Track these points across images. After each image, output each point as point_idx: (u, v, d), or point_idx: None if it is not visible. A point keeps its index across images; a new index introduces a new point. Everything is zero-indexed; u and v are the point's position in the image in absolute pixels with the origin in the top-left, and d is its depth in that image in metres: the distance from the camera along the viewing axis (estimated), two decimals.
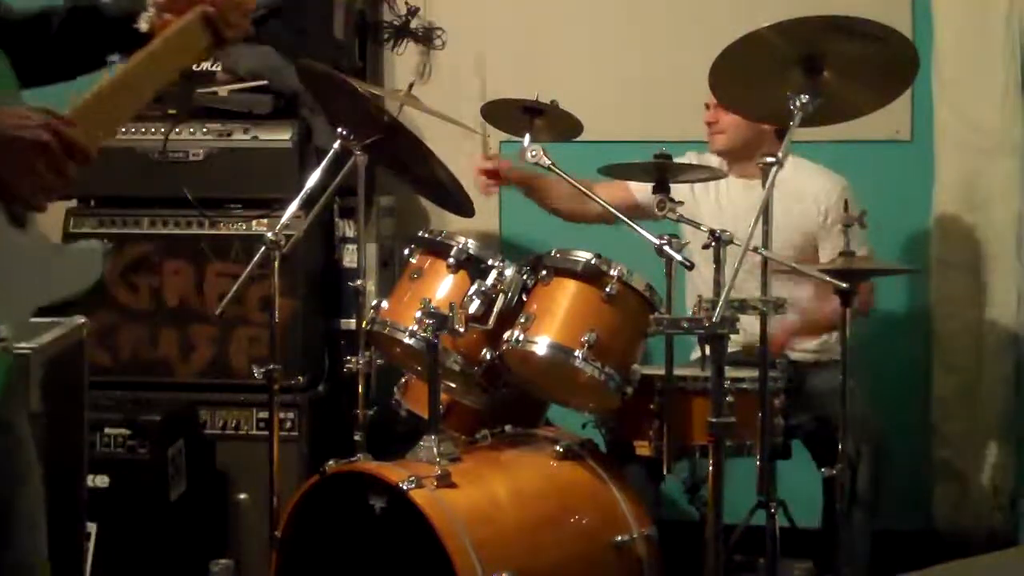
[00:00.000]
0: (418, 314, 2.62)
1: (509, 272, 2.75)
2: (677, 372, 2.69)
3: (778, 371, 2.82)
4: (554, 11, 3.95)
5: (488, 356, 2.73)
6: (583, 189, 2.75)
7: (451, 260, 2.76)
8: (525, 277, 2.75)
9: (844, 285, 2.60)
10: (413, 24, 3.89)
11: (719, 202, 3.34)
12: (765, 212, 2.60)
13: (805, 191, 3.25)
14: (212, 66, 3.59)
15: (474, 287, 2.72)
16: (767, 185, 2.44)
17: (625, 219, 2.66)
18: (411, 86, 3.46)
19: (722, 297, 2.17)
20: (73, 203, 3.49)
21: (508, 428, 2.86)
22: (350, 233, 3.54)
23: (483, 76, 3.57)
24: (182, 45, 1.85)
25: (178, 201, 3.41)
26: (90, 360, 2.66)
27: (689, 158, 3.33)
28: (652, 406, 2.70)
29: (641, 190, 3.17)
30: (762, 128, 3.20)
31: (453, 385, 2.85)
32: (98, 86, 1.73)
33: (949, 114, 3.67)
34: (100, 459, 3.03)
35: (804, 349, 3.27)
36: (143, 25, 1.85)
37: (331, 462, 2.59)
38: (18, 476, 1.77)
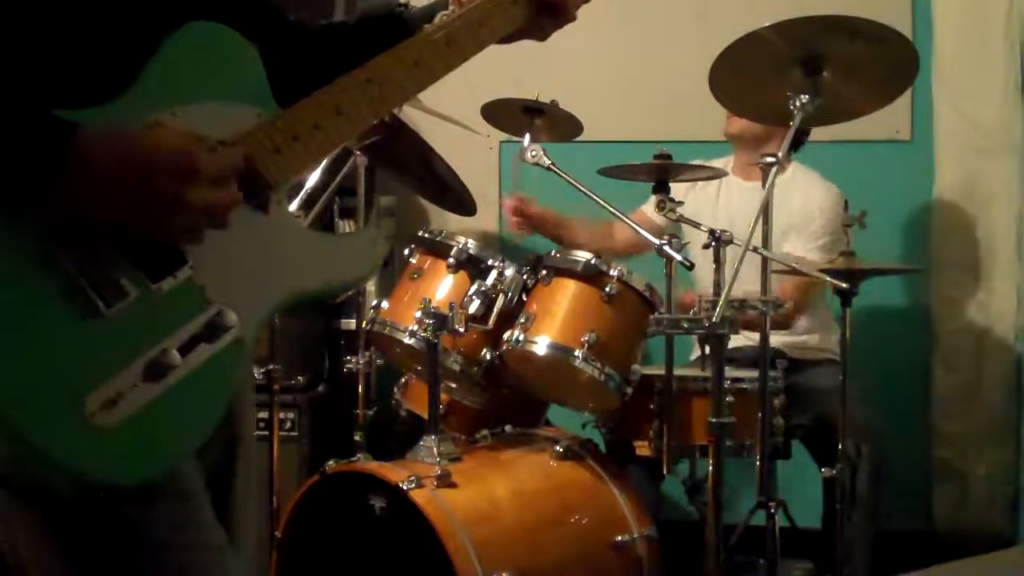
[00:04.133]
0: (418, 314, 2.62)
1: (509, 272, 2.75)
2: (677, 372, 2.69)
3: (778, 371, 2.82)
4: None
5: (488, 356, 2.73)
6: (585, 190, 2.74)
7: (451, 260, 2.76)
8: (525, 277, 2.75)
9: (844, 285, 2.60)
10: None
11: (716, 208, 3.34)
12: (765, 212, 2.60)
13: (794, 193, 3.26)
14: None
15: (474, 287, 2.72)
16: (767, 185, 2.45)
17: (627, 220, 2.66)
18: None
19: (722, 297, 2.17)
20: None
21: (508, 428, 2.86)
22: None
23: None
24: (485, 19, 1.43)
25: None
26: None
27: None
28: (652, 406, 2.69)
29: (652, 211, 3.15)
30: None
31: (453, 385, 2.85)
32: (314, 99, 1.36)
33: (949, 114, 3.67)
34: None
35: (795, 345, 3.27)
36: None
37: (331, 462, 2.59)
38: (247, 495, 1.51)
